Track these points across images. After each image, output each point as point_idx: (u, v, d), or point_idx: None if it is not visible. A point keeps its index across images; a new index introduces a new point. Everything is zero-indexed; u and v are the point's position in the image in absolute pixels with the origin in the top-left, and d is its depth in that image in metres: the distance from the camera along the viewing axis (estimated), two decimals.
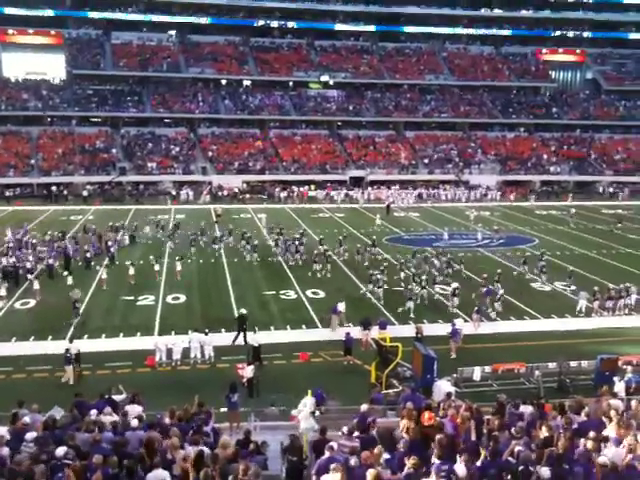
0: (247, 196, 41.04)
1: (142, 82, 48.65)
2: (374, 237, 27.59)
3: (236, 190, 41.57)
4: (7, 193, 38.31)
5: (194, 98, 48.58)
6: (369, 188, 43.80)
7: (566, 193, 44.42)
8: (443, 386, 12.69)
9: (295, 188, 42.26)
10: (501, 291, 19.77)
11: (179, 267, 22.51)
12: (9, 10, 47.97)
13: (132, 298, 20.01)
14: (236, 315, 17.18)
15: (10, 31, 48.27)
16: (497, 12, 57.58)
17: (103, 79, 48.26)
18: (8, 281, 20.53)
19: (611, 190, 46.22)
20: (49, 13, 48.71)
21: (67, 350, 13.98)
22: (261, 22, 53.68)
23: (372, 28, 56.53)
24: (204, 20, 52.10)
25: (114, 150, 44.02)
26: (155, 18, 50.93)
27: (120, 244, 26.52)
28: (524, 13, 57.92)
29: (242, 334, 15.95)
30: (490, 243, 29.31)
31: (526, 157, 49.64)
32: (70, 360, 13.83)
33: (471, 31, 57.86)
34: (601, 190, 47.31)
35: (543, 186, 47.43)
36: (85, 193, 39.29)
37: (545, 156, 49.90)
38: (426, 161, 48.04)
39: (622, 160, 49.98)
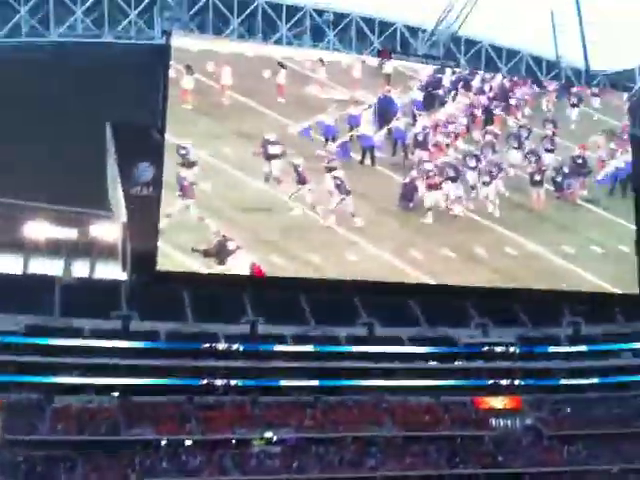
0: None
1: (78, 446, 47.29)
2: None
3: None
4: None
5: (131, 461, 47.25)
6: None
7: None
8: None
9: None
10: None
11: None
12: None
13: None
14: None
15: None
16: (432, 364, 60.75)
17: (36, 444, 46.82)
18: None
19: None
20: None
21: None
22: (205, 381, 54.94)
23: (315, 382, 58.10)
24: (147, 381, 53.13)
25: None
26: (98, 381, 51.73)
27: None
28: (457, 364, 61.18)
29: None
30: None
31: None
32: None
33: (410, 382, 59.97)
34: None
35: None
36: None
37: None
38: None
39: None
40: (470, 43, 64.13)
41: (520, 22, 58.29)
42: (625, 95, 60.52)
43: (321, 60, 50.43)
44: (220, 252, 42.38)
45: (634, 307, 56.64)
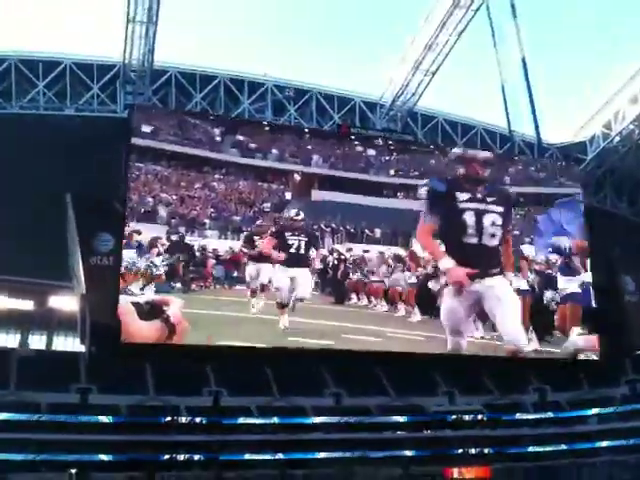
0: None
1: None
2: None
3: None
4: None
5: None
6: None
7: None
8: None
9: None
10: None
11: None
12: None
13: None
14: None
15: None
16: (400, 433, 59.71)
17: None
18: None
19: None
20: None
21: None
22: (166, 456, 53.18)
23: (281, 456, 56.64)
24: (106, 457, 51.27)
25: None
26: (55, 457, 49.55)
27: None
28: (426, 433, 60.22)
29: None
30: None
31: None
32: None
33: (379, 454, 58.53)
34: None
35: None
36: None
37: None
38: None
39: None
40: (426, 117, 66.43)
41: (475, 96, 60.90)
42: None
43: None
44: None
45: (598, 373, 57.12)
